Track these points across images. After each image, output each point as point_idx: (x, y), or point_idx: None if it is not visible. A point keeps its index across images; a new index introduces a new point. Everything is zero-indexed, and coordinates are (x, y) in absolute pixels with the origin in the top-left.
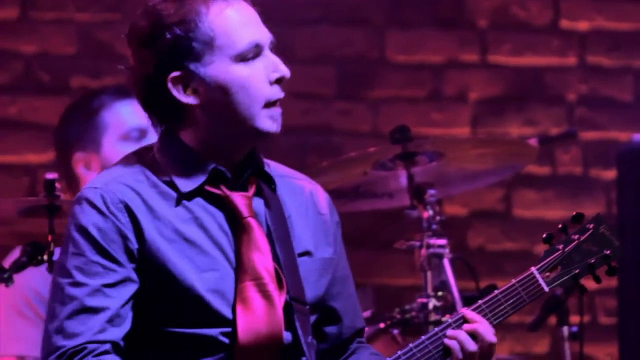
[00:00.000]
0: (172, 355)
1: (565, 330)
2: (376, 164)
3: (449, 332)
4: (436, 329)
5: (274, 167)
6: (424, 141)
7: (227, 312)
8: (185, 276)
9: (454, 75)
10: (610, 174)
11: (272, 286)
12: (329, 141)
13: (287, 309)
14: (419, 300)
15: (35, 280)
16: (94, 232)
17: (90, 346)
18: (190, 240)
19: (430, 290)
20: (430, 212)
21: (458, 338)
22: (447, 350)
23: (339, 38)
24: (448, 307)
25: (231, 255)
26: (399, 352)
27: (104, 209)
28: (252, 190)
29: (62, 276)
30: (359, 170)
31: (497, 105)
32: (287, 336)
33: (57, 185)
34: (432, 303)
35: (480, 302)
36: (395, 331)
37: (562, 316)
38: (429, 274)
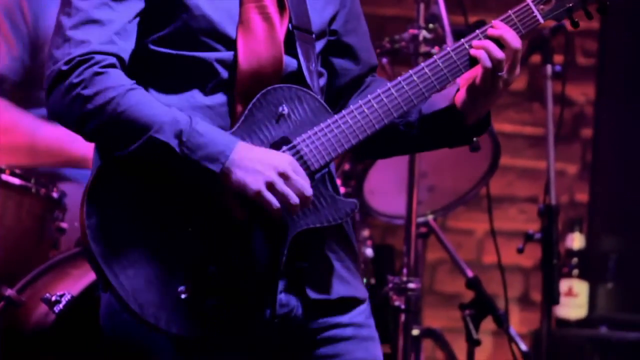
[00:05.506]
0: (171, 81)
1: (549, 68)
2: None
3: (475, 42)
4: (462, 40)
5: None
6: None
7: (231, 32)
8: None
9: None
10: None
11: (272, 9)
12: None
13: (290, 36)
14: (410, 31)
15: None
16: None
17: (97, 56)
18: None
19: (421, 22)
20: None
21: (485, 46)
22: (473, 60)
23: None
24: (438, 40)
25: None
26: (423, 64)
27: None
28: None
29: None
30: None
31: None
32: (290, 63)
33: None
34: (423, 34)
35: (510, 12)
36: (385, 60)
37: (546, 54)
38: (421, 5)
